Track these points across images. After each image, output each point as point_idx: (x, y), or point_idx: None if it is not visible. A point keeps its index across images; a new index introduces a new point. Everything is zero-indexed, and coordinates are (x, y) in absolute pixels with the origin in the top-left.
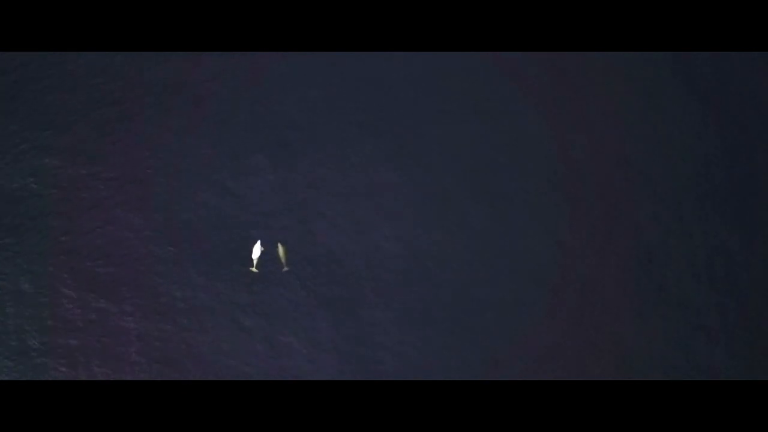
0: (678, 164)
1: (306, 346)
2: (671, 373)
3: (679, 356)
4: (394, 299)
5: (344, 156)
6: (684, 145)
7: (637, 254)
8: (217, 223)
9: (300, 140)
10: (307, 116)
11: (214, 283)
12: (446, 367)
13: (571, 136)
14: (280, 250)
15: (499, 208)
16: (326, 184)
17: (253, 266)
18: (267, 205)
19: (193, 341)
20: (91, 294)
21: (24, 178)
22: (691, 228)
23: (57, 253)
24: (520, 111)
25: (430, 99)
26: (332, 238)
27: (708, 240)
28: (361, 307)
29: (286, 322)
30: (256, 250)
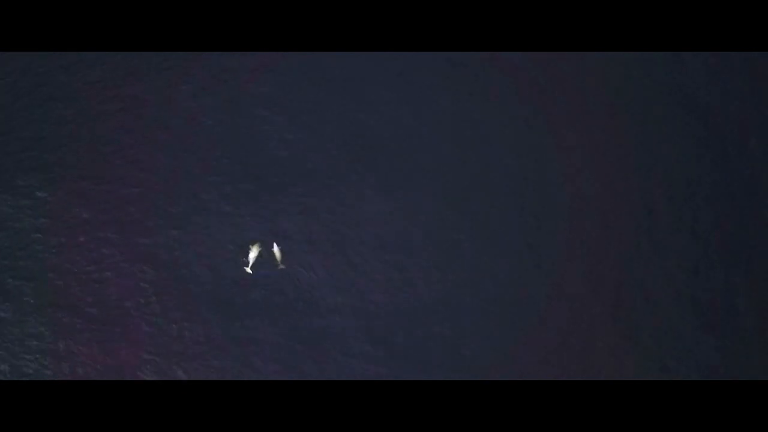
0: (677, 173)
1: (304, 347)
2: (668, 375)
3: (677, 357)
4: (390, 308)
5: (334, 177)
6: (684, 156)
7: (635, 264)
8: (205, 245)
9: (291, 161)
10: (299, 131)
11: (199, 306)
12: (443, 368)
13: (568, 143)
14: (276, 250)
15: (491, 227)
16: (317, 203)
17: (248, 266)
18: (257, 229)
19: (178, 361)
20: (74, 313)
21: (7, 192)
22: (689, 237)
23: (39, 273)
24: (515, 116)
25: (425, 103)
26: (324, 256)
27: (706, 246)
28: (358, 311)
29: (283, 324)
30: (254, 251)
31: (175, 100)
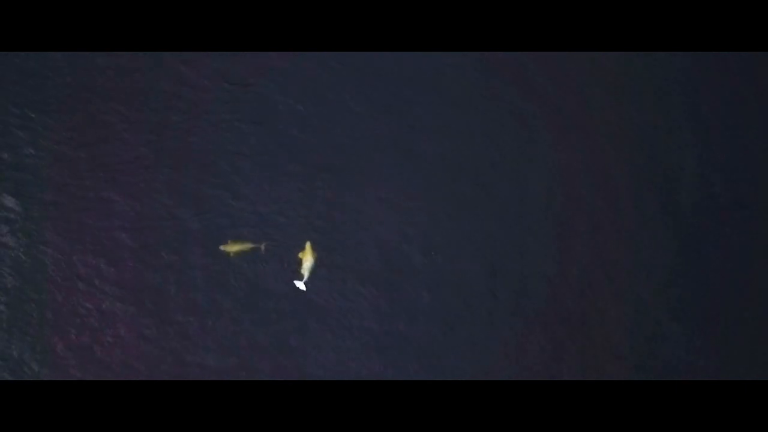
0: (677, 172)
1: (304, 347)
2: (668, 374)
3: (676, 357)
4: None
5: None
6: (684, 156)
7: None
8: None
9: (290, 165)
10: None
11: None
12: (442, 368)
13: (567, 143)
14: (262, 248)
15: (492, 222)
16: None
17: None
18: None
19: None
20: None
21: None
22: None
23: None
24: (515, 118)
25: (424, 103)
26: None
27: (705, 246)
28: (360, 312)
29: (283, 323)
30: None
31: (176, 98)
